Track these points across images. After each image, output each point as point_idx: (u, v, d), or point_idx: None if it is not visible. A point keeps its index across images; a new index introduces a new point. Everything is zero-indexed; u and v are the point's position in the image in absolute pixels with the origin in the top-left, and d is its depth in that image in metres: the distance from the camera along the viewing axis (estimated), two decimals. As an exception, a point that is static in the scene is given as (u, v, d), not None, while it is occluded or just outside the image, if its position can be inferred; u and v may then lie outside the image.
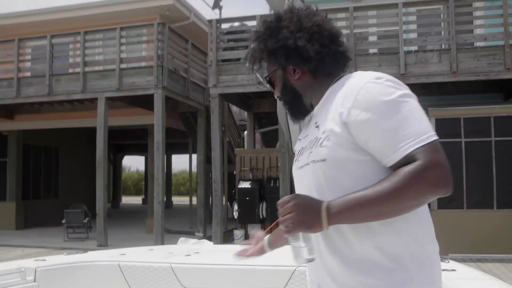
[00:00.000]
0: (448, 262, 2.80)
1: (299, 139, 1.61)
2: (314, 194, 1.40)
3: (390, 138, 1.30)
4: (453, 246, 9.13)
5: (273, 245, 1.85)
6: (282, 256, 3.40)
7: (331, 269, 1.41)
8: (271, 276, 2.99)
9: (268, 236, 1.88)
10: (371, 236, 1.34)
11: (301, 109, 1.57)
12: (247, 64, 1.61)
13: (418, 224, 1.36)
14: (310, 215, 1.31)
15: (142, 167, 43.23)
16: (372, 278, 1.33)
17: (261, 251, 1.85)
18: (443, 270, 2.54)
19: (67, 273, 3.19)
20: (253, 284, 3.02)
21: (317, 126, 1.46)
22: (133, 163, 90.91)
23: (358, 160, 1.35)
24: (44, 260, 3.25)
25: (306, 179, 1.46)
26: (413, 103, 1.34)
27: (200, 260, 3.36)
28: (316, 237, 1.42)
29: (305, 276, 2.96)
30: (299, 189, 1.52)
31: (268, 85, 1.62)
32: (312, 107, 1.55)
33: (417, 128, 1.30)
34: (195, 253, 3.62)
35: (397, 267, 1.32)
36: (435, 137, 1.30)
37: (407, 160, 1.27)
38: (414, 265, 1.33)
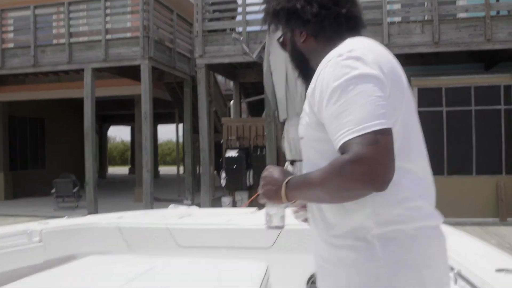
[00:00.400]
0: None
1: None
2: (307, 163, 1.44)
3: (332, 125, 1.26)
4: (433, 211, 9.50)
5: None
6: (262, 214, 3.63)
7: (315, 239, 1.45)
8: (260, 234, 3.22)
9: None
10: (342, 213, 1.34)
11: (310, 75, 1.45)
12: (262, 26, 1.60)
13: (391, 203, 1.29)
14: (272, 188, 1.39)
15: (127, 137, 43.26)
16: (343, 252, 1.34)
17: None
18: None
19: (70, 235, 3.40)
20: (244, 242, 3.26)
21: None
22: (117, 133, 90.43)
23: (327, 139, 1.30)
24: (47, 223, 3.45)
25: (303, 150, 1.47)
26: (362, 87, 1.23)
27: (194, 221, 3.59)
28: (308, 207, 1.51)
29: (292, 234, 3.20)
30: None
31: (282, 48, 1.61)
32: None
33: (356, 117, 1.20)
34: (188, 215, 3.85)
35: (363, 245, 1.30)
36: (375, 128, 1.19)
37: (342, 150, 1.21)
38: (383, 245, 1.29)
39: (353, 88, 1.22)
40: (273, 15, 1.50)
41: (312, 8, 1.41)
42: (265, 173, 1.43)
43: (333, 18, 1.42)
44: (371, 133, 1.17)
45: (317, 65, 1.40)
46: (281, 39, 1.57)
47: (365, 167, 1.16)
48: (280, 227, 1.50)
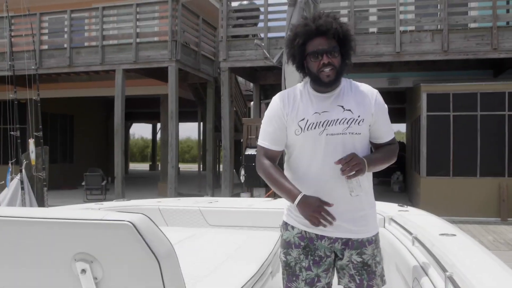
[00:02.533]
0: (406, 207, 3.79)
1: (317, 113, 2.22)
2: (348, 152, 2.17)
3: (389, 127, 2.31)
4: (439, 209, 10.03)
5: None
6: (277, 202, 4.41)
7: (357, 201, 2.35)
8: (275, 216, 3.97)
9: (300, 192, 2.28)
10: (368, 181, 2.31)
11: (337, 81, 2.23)
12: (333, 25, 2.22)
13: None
14: (363, 166, 2.13)
15: (146, 135, 44.19)
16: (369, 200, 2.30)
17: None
18: (402, 210, 3.54)
19: (122, 213, 4.19)
20: (262, 222, 4.03)
21: (349, 110, 2.20)
22: (136, 130, 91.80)
23: (368, 136, 2.25)
24: (102, 204, 4.25)
25: (341, 143, 2.18)
26: None
27: (221, 205, 4.36)
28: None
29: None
30: (331, 148, 2.19)
31: (331, 53, 2.19)
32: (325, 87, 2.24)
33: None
34: (215, 201, 4.63)
35: (372, 195, 2.34)
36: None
37: (391, 142, 2.31)
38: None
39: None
40: (345, 35, 2.22)
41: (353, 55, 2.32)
42: (359, 157, 2.15)
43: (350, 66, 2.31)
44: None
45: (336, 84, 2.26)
46: (335, 49, 2.21)
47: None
48: (361, 193, 2.20)
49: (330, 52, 2.16)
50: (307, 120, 2.20)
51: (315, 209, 2.14)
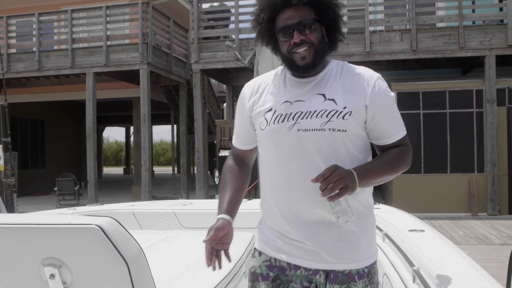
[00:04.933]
0: (378, 205, 3.85)
1: (288, 101, 1.70)
2: (330, 157, 1.62)
3: (395, 122, 1.71)
4: (411, 206, 10.19)
5: (233, 216, 1.91)
6: (251, 203, 4.42)
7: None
8: (249, 217, 4.00)
9: (225, 215, 1.89)
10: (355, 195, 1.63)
11: (317, 63, 1.69)
12: None
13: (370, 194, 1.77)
14: (351, 181, 1.52)
15: (120, 138, 43.78)
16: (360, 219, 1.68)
17: (232, 232, 1.86)
18: (374, 208, 3.60)
19: (94, 217, 4.15)
20: (236, 223, 4.03)
21: (332, 99, 1.65)
22: (110, 134, 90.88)
23: (363, 135, 1.68)
24: (75, 209, 4.21)
25: (317, 142, 1.64)
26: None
27: (195, 207, 4.36)
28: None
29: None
30: (304, 149, 1.65)
31: (302, 28, 1.66)
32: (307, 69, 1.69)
33: (402, 121, 1.74)
34: (189, 203, 4.62)
35: (368, 211, 1.73)
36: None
37: (399, 143, 1.69)
38: (372, 211, 1.76)
39: (394, 101, 1.75)
40: (330, 4, 1.69)
41: (343, 25, 1.76)
42: (341, 170, 1.53)
43: (341, 39, 1.77)
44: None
45: (323, 63, 1.74)
46: (310, 22, 1.67)
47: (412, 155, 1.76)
48: (351, 218, 1.59)
49: (303, 26, 1.65)
50: (275, 111, 1.70)
51: (207, 239, 1.72)
